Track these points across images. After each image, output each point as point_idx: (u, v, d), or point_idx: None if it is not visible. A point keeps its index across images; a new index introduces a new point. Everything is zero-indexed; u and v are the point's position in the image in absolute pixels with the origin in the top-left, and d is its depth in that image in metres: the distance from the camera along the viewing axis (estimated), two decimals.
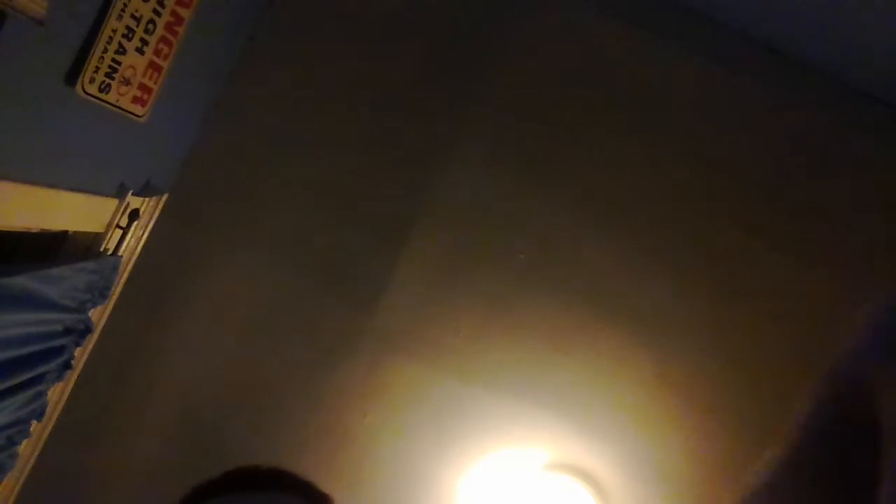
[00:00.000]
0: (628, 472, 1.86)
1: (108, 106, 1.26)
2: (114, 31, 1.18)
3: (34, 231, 1.24)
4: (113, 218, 1.51)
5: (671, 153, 1.91)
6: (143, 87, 1.36)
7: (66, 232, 1.42)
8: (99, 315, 1.69)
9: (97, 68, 1.17)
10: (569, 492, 1.82)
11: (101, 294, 1.48)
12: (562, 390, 1.87)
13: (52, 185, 1.20)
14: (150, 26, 1.29)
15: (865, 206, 1.92)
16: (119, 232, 1.55)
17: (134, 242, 1.70)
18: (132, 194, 1.54)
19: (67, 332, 1.38)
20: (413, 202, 1.89)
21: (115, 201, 1.50)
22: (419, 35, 1.91)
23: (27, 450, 1.65)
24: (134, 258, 1.75)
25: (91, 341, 1.71)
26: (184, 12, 1.39)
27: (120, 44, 1.21)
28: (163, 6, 1.30)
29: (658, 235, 1.89)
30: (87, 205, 1.37)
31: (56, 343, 1.34)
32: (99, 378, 1.80)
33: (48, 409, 1.51)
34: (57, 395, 1.66)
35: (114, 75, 1.23)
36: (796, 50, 1.89)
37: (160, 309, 1.86)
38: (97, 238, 1.50)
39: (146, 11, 1.26)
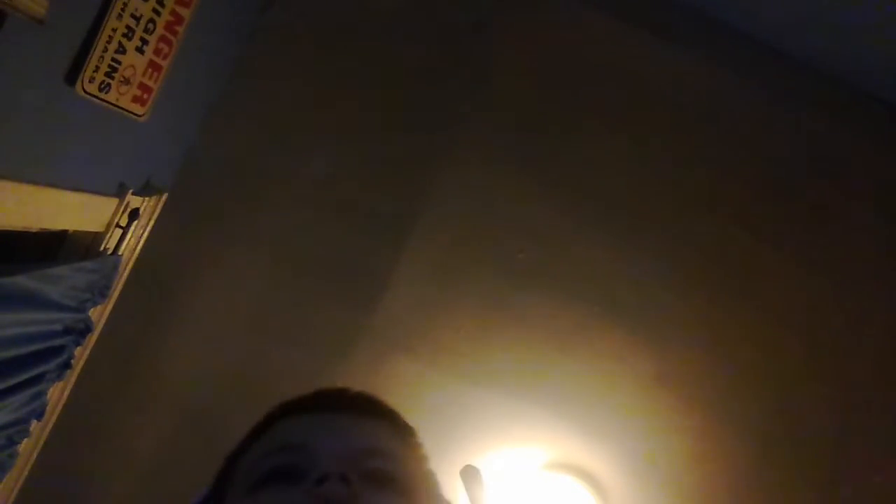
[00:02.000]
0: (628, 472, 1.86)
1: (108, 105, 1.26)
2: (114, 30, 1.18)
3: (34, 231, 1.24)
4: (113, 217, 1.50)
5: (671, 153, 1.91)
6: (143, 86, 1.36)
7: (66, 232, 1.42)
8: (99, 314, 1.69)
9: (97, 68, 1.17)
10: (569, 492, 1.82)
11: (101, 293, 1.47)
12: (562, 390, 1.87)
13: (52, 185, 1.20)
14: (150, 26, 1.29)
15: (866, 205, 1.92)
16: (119, 231, 1.55)
17: (134, 242, 1.70)
18: (132, 194, 1.54)
19: (67, 331, 1.38)
20: (413, 202, 1.89)
21: (115, 201, 1.50)
22: (419, 35, 1.91)
23: (27, 449, 1.65)
24: (134, 258, 1.75)
25: (91, 341, 1.71)
26: (184, 12, 1.39)
27: (120, 43, 1.21)
28: (163, 6, 1.30)
29: (658, 235, 1.89)
30: (87, 204, 1.37)
31: (56, 342, 1.34)
32: (99, 378, 1.80)
33: (48, 409, 1.51)
34: (57, 394, 1.66)
35: (114, 75, 1.23)
36: (797, 49, 1.89)
37: (160, 308, 1.86)
38: (97, 237, 1.50)
39: (146, 11, 1.26)
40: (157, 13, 1.30)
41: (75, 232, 1.43)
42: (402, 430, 0.64)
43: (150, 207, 1.70)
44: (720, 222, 1.90)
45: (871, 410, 1.88)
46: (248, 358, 1.88)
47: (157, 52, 1.35)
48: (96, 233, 1.49)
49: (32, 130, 1.10)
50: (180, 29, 1.40)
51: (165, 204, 1.77)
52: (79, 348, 1.46)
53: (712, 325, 1.88)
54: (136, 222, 1.59)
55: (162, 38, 1.35)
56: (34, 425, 1.45)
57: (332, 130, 1.90)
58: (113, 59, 1.21)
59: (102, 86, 1.21)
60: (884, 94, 1.90)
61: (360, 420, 0.61)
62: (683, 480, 1.87)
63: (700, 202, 1.90)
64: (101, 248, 1.51)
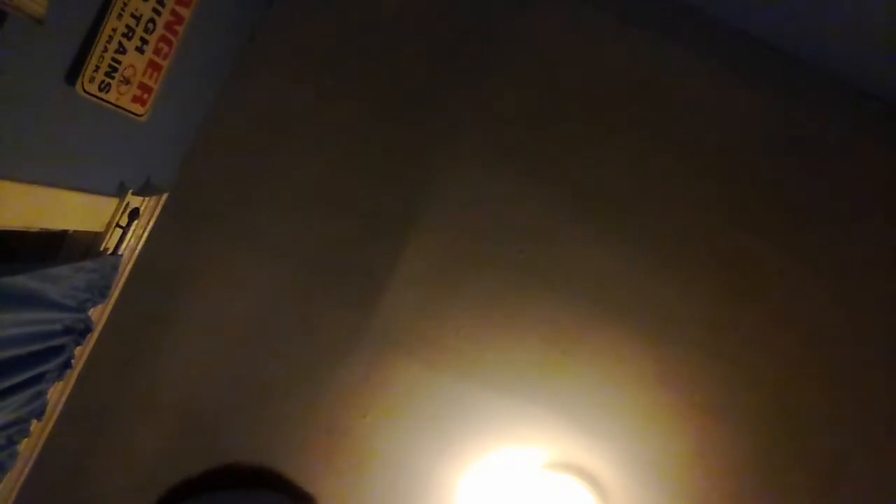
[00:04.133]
0: (628, 472, 1.87)
1: (108, 105, 1.26)
2: (114, 30, 1.18)
3: (34, 231, 1.24)
4: (113, 217, 1.51)
5: (672, 152, 1.91)
6: (143, 86, 1.36)
7: (66, 232, 1.42)
8: (99, 314, 1.69)
9: (97, 67, 1.17)
10: (569, 491, 1.82)
11: (101, 293, 1.48)
12: (562, 390, 1.87)
13: (52, 185, 1.20)
14: (150, 25, 1.29)
15: (866, 205, 1.92)
16: (119, 231, 1.55)
17: (134, 242, 1.70)
18: (132, 193, 1.54)
19: (67, 331, 1.38)
20: (413, 202, 1.89)
21: (116, 200, 1.50)
22: (419, 35, 1.91)
23: (27, 449, 1.65)
24: (134, 257, 1.75)
25: (91, 340, 1.71)
26: (184, 12, 1.39)
27: (120, 43, 1.21)
28: (163, 5, 1.30)
29: (659, 235, 1.90)
30: (87, 204, 1.37)
31: (56, 342, 1.34)
32: (99, 377, 1.80)
33: (48, 409, 1.51)
34: (57, 394, 1.66)
35: (114, 74, 1.23)
36: (797, 49, 1.89)
37: (160, 309, 1.86)
38: (97, 237, 1.50)
39: (146, 11, 1.26)
40: (158, 13, 1.30)
41: (75, 232, 1.43)
42: (303, 499, 0.64)
43: (150, 207, 1.70)
44: (720, 222, 1.90)
45: (871, 410, 1.88)
46: (247, 358, 1.88)
47: (157, 51, 1.35)
48: (96, 233, 1.49)
49: (32, 130, 1.10)
50: (180, 29, 1.40)
51: (165, 204, 1.78)
52: (79, 348, 1.46)
53: (712, 325, 1.88)
54: (136, 222, 1.59)
55: (162, 38, 1.35)
56: (34, 425, 1.45)
57: (332, 130, 1.90)
58: (113, 59, 1.21)
59: (102, 86, 1.21)
60: (885, 93, 1.90)
61: (264, 495, 0.62)
62: (683, 480, 1.87)
63: (700, 202, 1.90)
64: (102, 247, 1.51)
